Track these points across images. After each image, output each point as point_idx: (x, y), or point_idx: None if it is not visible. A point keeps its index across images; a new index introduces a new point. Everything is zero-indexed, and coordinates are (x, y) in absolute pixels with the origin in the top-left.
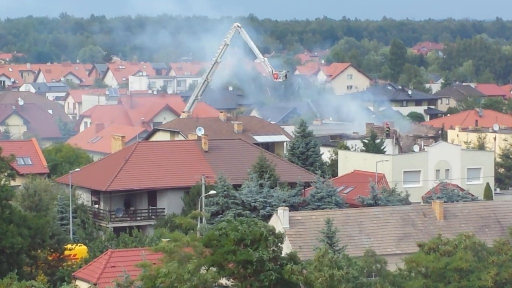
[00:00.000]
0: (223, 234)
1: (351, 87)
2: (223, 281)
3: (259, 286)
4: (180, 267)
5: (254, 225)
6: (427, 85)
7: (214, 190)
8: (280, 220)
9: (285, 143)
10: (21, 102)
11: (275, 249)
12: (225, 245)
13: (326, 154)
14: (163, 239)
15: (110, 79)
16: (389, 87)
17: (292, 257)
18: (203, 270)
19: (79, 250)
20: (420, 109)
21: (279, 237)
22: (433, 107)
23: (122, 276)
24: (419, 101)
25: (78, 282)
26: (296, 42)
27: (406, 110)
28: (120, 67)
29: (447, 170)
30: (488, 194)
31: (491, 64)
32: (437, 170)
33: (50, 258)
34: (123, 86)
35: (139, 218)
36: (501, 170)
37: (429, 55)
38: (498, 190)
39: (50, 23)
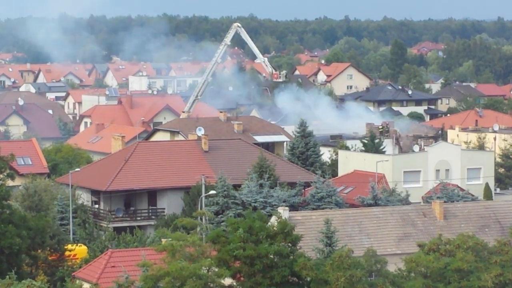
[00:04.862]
0: (235, 228)
1: (351, 87)
2: (228, 280)
3: (268, 284)
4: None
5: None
6: (427, 85)
7: (214, 190)
8: None
9: (285, 143)
10: (21, 102)
11: (291, 246)
12: (232, 242)
13: (326, 154)
14: (163, 239)
15: (110, 79)
16: (389, 87)
17: (302, 256)
18: (204, 270)
19: (79, 250)
20: (420, 109)
21: (297, 237)
22: (433, 107)
23: (122, 276)
24: (419, 101)
25: (78, 282)
26: (296, 42)
27: (406, 110)
28: (120, 67)
29: (447, 170)
30: (487, 194)
31: (491, 64)
32: (437, 170)
33: (50, 258)
34: (123, 86)
35: (139, 218)
36: (501, 170)
37: (429, 55)
38: (498, 190)
39: (50, 23)
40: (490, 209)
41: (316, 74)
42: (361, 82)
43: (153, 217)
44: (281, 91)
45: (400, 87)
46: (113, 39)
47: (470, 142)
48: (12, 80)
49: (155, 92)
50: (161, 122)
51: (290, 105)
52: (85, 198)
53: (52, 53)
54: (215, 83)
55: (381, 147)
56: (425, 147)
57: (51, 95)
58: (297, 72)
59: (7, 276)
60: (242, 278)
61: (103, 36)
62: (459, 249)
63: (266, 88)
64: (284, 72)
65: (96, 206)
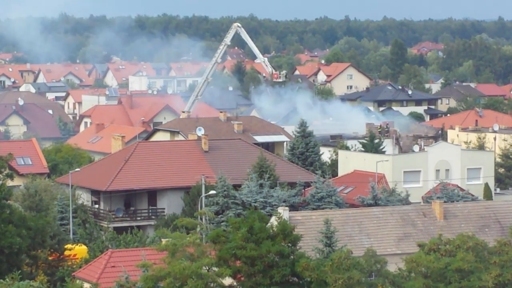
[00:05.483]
0: (236, 228)
1: (351, 87)
2: (228, 280)
3: (268, 283)
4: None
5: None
6: (427, 85)
7: (214, 190)
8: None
9: (285, 143)
10: (21, 102)
11: (291, 246)
12: (233, 241)
13: (326, 154)
14: (163, 239)
15: (110, 79)
16: (389, 87)
17: (303, 256)
18: (204, 269)
19: (79, 250)
20: (420, 109)
21: (297, 237)
22: (433, 107)
23: (122, 276)
24: (419, 101)
25: (78, 282)
26: (296, 42)
27: (406, 110)
28: (120, 67)
29: (447, 170)
30: (487, 194)
31: (491, 64)
32: (437, 170)
33: (50, 258)
34: (123, 86)
35: (139, 218)
36: (501, 170)
37: (429, 55)
38: (498, 190)
39: (50, 23)
40: (490, 209)
41: (316, 74)
42: (361, 82)
43: (153, 217)
44: (259, 93)
45: (400, 87)
46: (113, 39)
47: (470, 142)
48: (12, 80)
49: (155, 92)
50: (161, 122)
51: (268, 105)
52: (85, 198)
53: (50, 53)
54: (215, 83)
55: (381, 147)
56: (425, 147)
57: (51, 95)
58: (297, 72)
59: (11, 276)
60: (242, 278)
61: (102, 36)
62: (459, 249)
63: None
64: (284, 72)
65: (96, 206)
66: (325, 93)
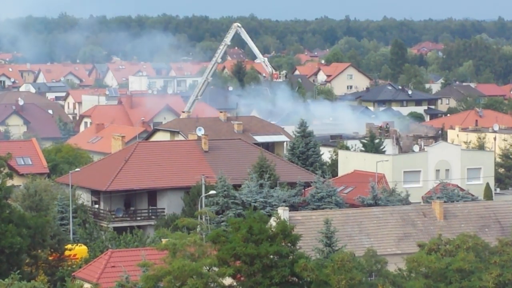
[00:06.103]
0: (236, 228)
1: (351, 87)
2: (228, 280)
3: (268, 284)
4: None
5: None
6: (427, 85)
7: (214, 190)
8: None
9: (285, 143)
10: (21, 102)
11: (291, 246)
12: (233, 241)
13: (326, 154)
14: (163, 239)
15: (110, 79)
16: (389, 87)
17: (302, 256)
18: (205, 269)
19: (79, 250)
20: (420, 109)
21: (296, 237)
22: (433, 107)
23: (123, 276)
24: (419, 101)
25: (78, 282)
26: (296, 42)
27: (406, 110)
28: (120, 67)
29: (447, 170)
30: (488, 194)
31: (491, 64)
32: (437, 170)
33: (50, 258)
34: (123, 86)
35: (139, 218)
36: (501, 170)
37: (429, 55)
38: (498, 190)
39: (50, 23)
40: (490, 209)
41: (316, 74)
42: (361, 82)
43: (153, 217)
44: (242, 95)
45: (400, 87)
46: (113, 39)
47: (470, 142)
48: (12, 80)
49: (155, 92)
50: (161, 122)
51: (246, 107)
52: (85, 198)
53: (51, 53)
54: (215, 83)
55: (381, 147)
56: (425, 147)
57: (51, 95)
58: (297, 72)
59: (10, 276)
60: (242, 278)
61: (102, 36)
62: (460, 249)
63: (266, 88)
64: (284, 72)
65: (96, 206)
66: (316, 93)
